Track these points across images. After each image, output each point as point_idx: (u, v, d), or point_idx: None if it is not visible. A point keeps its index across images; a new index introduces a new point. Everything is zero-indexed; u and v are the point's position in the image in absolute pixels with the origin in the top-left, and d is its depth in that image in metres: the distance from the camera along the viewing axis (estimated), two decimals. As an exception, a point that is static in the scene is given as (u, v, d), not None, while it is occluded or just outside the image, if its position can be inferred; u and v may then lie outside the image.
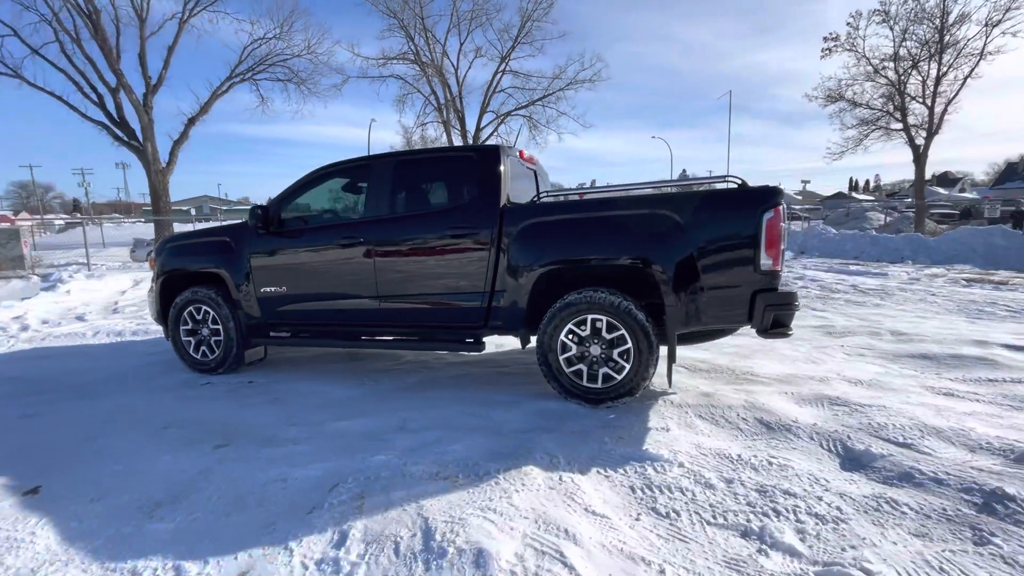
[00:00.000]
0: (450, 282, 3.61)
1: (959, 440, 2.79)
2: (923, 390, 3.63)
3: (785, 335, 3.15)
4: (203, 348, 4.33)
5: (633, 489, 2.39)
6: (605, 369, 3.31)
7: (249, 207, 4.16)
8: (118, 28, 14.60)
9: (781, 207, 3.01)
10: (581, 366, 3.36)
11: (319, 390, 3.86)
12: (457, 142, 30.58)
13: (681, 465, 2.59)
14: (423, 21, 27.34)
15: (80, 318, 6.90)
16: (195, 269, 4.34)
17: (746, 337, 5.07)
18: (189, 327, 4.35)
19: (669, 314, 3.16)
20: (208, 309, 4.23)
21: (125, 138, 14.69)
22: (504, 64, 28.52)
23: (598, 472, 2.54)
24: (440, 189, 3.89)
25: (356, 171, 3.97)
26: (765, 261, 3.02)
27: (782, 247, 3.04)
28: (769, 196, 3.03)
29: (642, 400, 3.47)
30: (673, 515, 2.17)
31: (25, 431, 3.21)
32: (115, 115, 14.43)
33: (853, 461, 2.66)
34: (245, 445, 2.89)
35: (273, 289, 4.09)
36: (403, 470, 2.49)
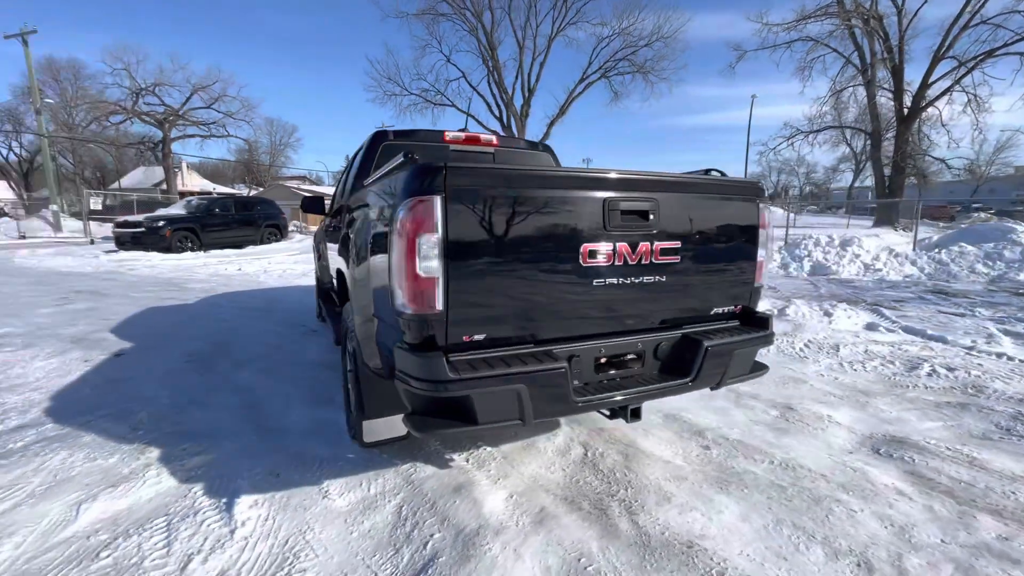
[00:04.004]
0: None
1: None
2: None
3: (400, 439, 1.76)
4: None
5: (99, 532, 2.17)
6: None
7: None
8: (521, 54, 18.93)
9: (429, 201, 1.63)
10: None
11: (315, 350, 4.71)
12: (888, 105, 23.56)
13: (232, 536, 2.08)
14: (855, -46, 22.09)
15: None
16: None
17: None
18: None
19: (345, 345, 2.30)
20: (322, 273, 5.75)
21: (508, 141, 19.29)
22: (993, -21, 19.60)
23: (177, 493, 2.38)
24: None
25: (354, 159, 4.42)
26: (395, 292, 1.74)
27: (416, 271, 1.65)
28: (418, 176, 1.68)
29: (430, 460, 2.63)
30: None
31: (196, 328, 5.52)
32: (505, 123, 19.13)
33: None
34: (210, 368, 4.11)
35: (325, 264, 5.16)
36: (102, 422, 3.10)
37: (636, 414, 2.15)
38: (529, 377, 1.74)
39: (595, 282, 1.94)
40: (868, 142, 26.77)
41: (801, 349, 4.74)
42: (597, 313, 2.00)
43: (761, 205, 2.35)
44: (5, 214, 28.29)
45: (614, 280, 1.97)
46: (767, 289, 8.33)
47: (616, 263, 1.95)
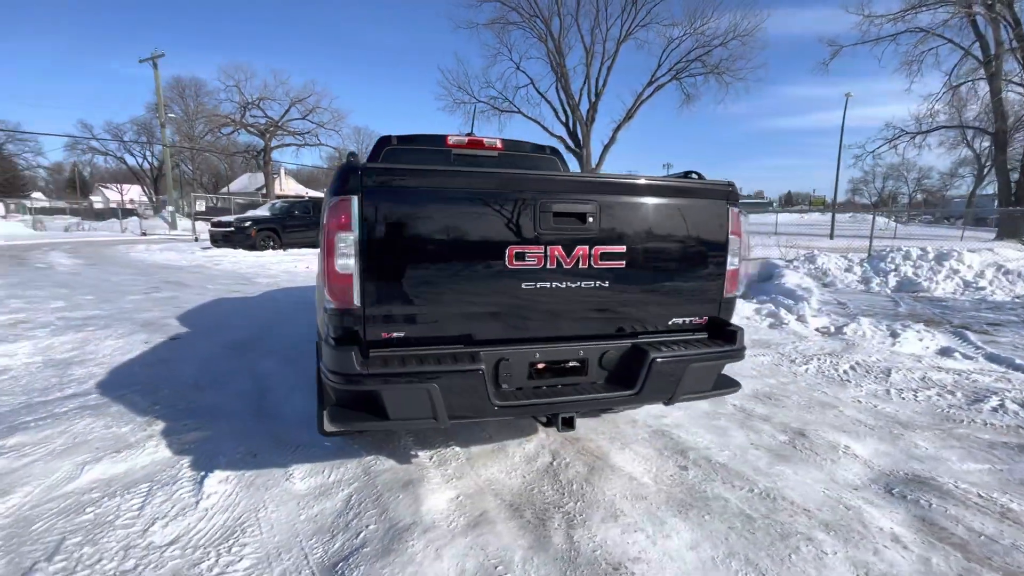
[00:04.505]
0: None
1: None
2: None
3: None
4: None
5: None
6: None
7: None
8: (588, 66, 18.82)
9: (347, 200, 1.73)
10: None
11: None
12: (1018, 101, 20.79)
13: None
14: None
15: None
16: None
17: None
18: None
19: None
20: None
21: (573, 146, 19.12)
22: None
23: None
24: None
25: None
26: (323, 287, 1.80)
27: (335, 267, 1.69)
28: (338, 177, 1.74)
29: (394, 454, 2.73)
30: None
31: (247, 318, 6.03)
32: (570, 129, 19.05)
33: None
34: (241, 355, 4.50)
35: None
36: (133, 396, 3.45)
37: (569, 423, 2.06)
38: (441, 377, 1.74)
39: (524, 285, 1.89)
40: (992, 143, 23.48)
41: (845, 372, 4.27)
42: (528, 317, 1.95)
43: (733, 209, 2.16)
44: (136, 213, 32.65)
45: (546, 284, 1.91)
46: (834, 305, 7.59)
47: (548, 266, 1.89)
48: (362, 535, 2.04)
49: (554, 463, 2.62)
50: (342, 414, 1.87)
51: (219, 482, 2.40)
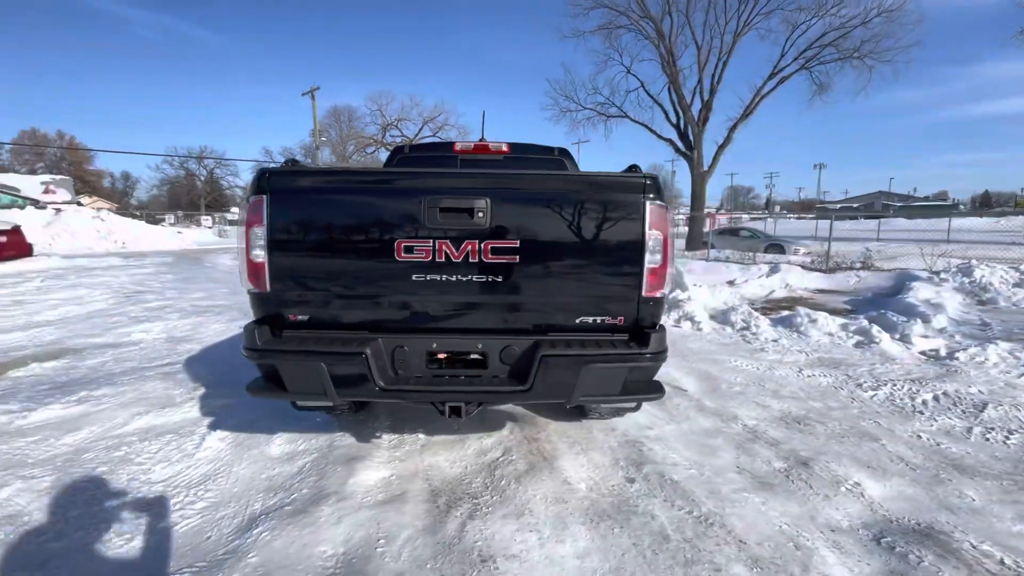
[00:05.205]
0: None
1: None
2: None
3: (328, 407, 2.01)
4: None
5: (167, 433, 3.00)
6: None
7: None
8: (701, 64, 17.72)
9: (259, 199, 2.01)
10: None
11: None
12: None
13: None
14: None
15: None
16: None
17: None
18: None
19: None
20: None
21: (683, 148, 18.00)
22: None
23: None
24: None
25: None
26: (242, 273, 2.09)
27: (250, 256, 1.95)
28: (254, 179, 2.05)
29: (359, 432, 3.00)
30: (118, 448, 2.82)
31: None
32: (681, 130, 17.98)
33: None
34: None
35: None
36: (198, 367, 4.11)
37: (456, 412, 2.07)
38: (326, 357, 1.92)
39: (414, 277, 1.98)
40: None
41: (922, 402, 3.54)
42: (423, 309, 2.03)
43: (652, 204, 1.99)
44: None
45: (437, 277, 1.98)
46: (974, 325, 6.19)
47: (437, 260, 1.96)
48: (292, 497, 2.30)
49: (502, 459, 2.64)
50: (261, 384, 2.16)
51: (218, 440, 2.86)
